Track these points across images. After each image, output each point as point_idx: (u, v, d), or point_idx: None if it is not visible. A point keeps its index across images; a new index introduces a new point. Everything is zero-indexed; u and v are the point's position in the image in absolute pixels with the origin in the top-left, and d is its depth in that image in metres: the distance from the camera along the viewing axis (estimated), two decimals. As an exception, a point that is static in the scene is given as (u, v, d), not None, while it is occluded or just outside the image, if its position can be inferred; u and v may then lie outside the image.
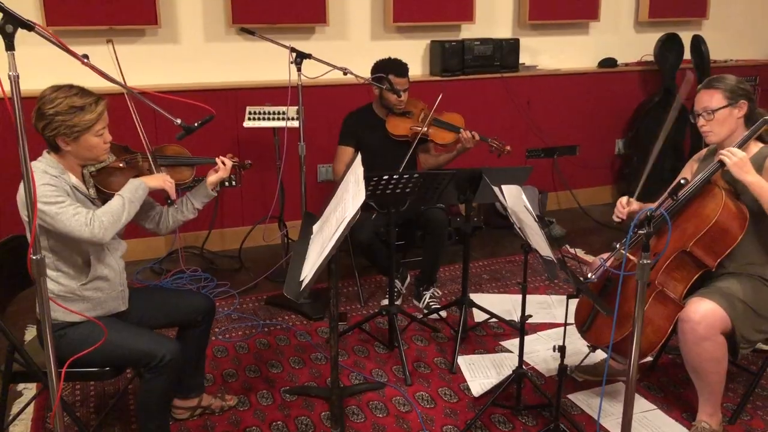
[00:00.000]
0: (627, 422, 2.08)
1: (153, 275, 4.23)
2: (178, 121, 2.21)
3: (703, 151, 2.78)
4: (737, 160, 2.37)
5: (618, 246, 2.42)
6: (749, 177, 2.36)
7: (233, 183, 4.49)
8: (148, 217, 2.56)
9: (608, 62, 5.49)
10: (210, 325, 2.66)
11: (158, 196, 2.52)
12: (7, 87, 1.65)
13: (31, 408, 2.78)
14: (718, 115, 2.51)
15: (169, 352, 2.24)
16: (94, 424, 2.66)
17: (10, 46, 1.66)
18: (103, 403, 2.87)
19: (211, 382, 2.99)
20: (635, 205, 2.64)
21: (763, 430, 2.66)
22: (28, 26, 1.73)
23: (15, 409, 2.74)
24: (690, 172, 2.75)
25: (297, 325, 3.56)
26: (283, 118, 4.00)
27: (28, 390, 2.96)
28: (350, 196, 2.27)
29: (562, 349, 2.39)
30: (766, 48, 6.15)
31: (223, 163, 2.63)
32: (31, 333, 3.36)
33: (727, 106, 2.51)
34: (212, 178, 2.61)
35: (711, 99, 2.52)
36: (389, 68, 3.70)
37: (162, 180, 2.42)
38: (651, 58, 5.48)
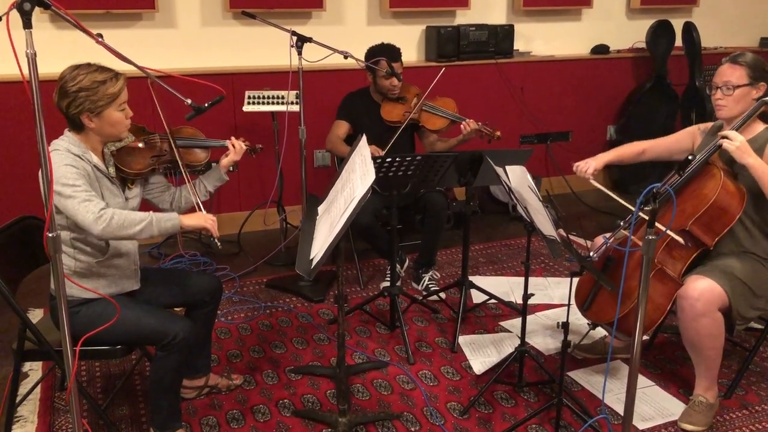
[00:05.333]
0: (631, 398, 2.13)
1: (151, 260, 4.24)
2: (189, 101, 2.22)
3: (709, 124, 2.81)
4: (739, 144, 2.42)
5: (622, 224, 2.47)
6: (750, 159, 2.42)
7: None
8: (163, 199, 2.59)
9: (601, 49, 5.53)
10: (217, 306, 2.69)
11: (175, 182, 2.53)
12: (24, 65, 1.67)
13: (38, 388, 2.80)
14: (737, 92, 2.55)
15: (182, 330, 2.27)
16: (102, 404, 2.68)
17: (27, 24, 1.67)
18: (109, 384, 2.90)
19: (216, 362, 3.02)
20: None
21: (758, 404, 2.74)
22: (45, 4, 1.75)
23: (22, 390, 2.76)
24: (691, 141, 2.81)
25: (298, 307, 3.60)
26: (283, 103, 4.01)
27: (34, 371, 2.98)
28: (358, 176, 2.30)
29: (565, 326, 2.44)
30: (756, 36, 6.23)
31: (233, 146, 2.65)
32: (33, 315, 3.36)
33: (748, 85, 2.55)
34: (225, 161, 2.63)
35: (734, 74, 2.55)
36: (383, 53, 3.72)
37: (203, 219, 2.37)
38: (643, 45, 5.55)
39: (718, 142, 2.49)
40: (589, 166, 2.80)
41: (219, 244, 2.41)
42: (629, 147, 2.94)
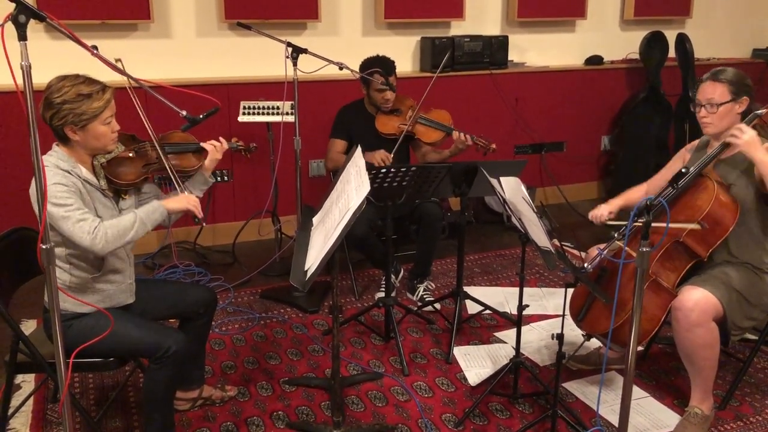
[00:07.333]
0: (626, 409, 2.13)
1: (146, 270, 4.23)
2: (184, 112, 2.23)
3: (696, 142, 2.84)
4: (748, 138, 2.41)
5: (616, 236, 2.48)
6: (759, 154, 2.40)
7: (225, 178, 4.49)
8: None
9: (595, 60, 5.57)
10: (211, 318, 2.68)
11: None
12: (19, 76, 1.66)
13: (30, 401, 2.79)
14: (721, 109, 2.56)
15: (175, 343, 2.26)
16: (96, 416, 2.66)
17: (22, 36, 1.67)
18: (102, 396, 2.88)
19: (210, 373, 3.01)
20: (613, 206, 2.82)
21: (752, 416, 2.74)
22: (41, 17, 1.75)
23: (14, 402, 2.74)
24: (682, 162, 2.82)
25: (293, 317, 3.59)
26: (278, 113, 4.02)
27: (26, 383, 2.96)
28: (352, 187, 2.30)
29: (560, 337, 2.44)
30: (748, 47, 6.28)
31: (214, 146, 2.61)
32: (26, 327, 3.34)
33: (731, 101, 2.56)
34: (207, 162, 2.60)
35: (716, 92, 2.57)
36: (376, 66, 3.73)
37: (185, 201, 2.39)
38: (636, 56, 5.57)
39: (726, 140, 2.48)
40: (602, 213, 2.82)
41: (203, 222, 2.48)
42: (634, 192, 2.96)
